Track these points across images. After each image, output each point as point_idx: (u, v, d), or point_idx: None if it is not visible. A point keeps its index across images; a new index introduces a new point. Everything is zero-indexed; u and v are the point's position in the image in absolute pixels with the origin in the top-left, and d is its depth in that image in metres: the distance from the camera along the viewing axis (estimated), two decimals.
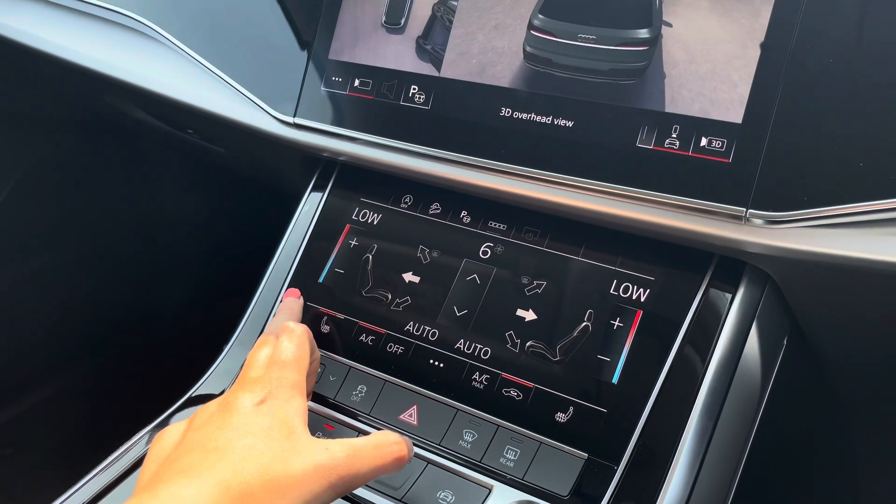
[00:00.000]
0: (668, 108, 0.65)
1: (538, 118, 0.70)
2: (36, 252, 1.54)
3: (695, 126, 0.64)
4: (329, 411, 0.73)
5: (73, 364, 1.62)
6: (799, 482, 0.96)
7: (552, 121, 0.69)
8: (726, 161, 0.62)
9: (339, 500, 0.64)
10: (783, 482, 0.89)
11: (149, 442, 0.70)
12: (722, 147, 0.62)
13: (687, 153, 0.64)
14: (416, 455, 0.68)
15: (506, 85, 0.72)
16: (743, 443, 0.68)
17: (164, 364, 1.57)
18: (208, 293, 1.74)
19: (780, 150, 0.60)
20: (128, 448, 0.72)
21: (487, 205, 0.77)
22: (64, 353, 1.61)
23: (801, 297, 0.67)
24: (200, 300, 1.75)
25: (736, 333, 0.67)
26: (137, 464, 0.70)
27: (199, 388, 0.77)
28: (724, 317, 0.66)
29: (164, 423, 0.74)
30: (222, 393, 0.73)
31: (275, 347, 0.63)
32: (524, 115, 0.70)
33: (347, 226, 0.83)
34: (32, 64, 1.16)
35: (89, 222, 1.61)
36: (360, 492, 0.66)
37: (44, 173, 1.51)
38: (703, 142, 0.63)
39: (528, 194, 0.70)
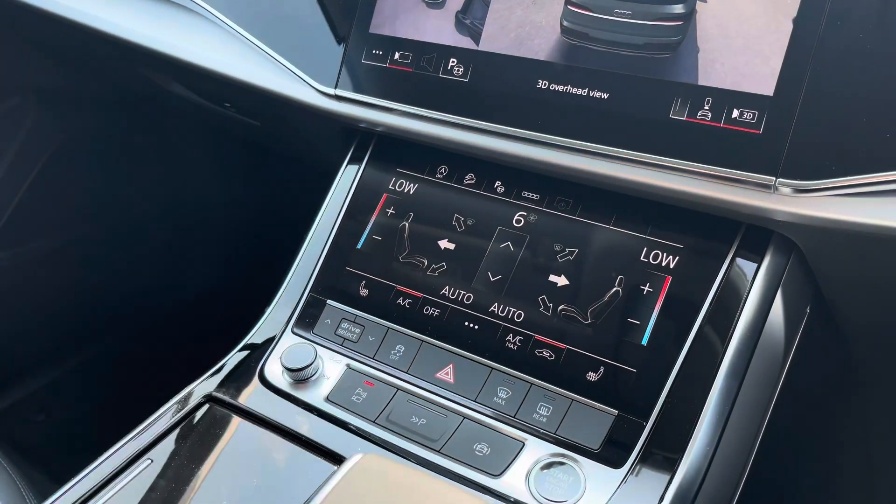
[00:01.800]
0: (701, 81, 0.67)
1: (574, 90, 0.73)
2: (69, 226, 1.59)
3: (727, 98, 0.66)
4: (369, 369, 0.77)
5: (104, 334, 1.67)
6: (814, 448, 0.99)
7: (588, 93, 0.72)
8: (757, 132, 0.65)
9: (375, 446, 0.68)
10: (800, 447, 0.92)
11: (176, 412, 0.73)
12: (753, 119, 0.65)
13: (719, 124, 0.66)
14: (453, 410, 0.72)
15: (543, 58, 0.74)
16: (766, 404, 0.71)
17: (193, 336, 1.62)
18: (238, 268, 1.78)
19: (810, 122, 0.63)
20: (158, 416, 0.75)
21: (521, 175, 0.80)
22: (96, 323, 1.65)
23: (825, 266, 0.70)
24: (230, 274, 1.79)
25: (761, 300, 0.69)
26: (168, 432, 0.72)
27: (252, 337, 0.81)
28: (750, 283, 0.69)
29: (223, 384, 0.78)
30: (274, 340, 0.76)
31: None
32: (561, 88, 0.73)
33: (384, 195, 0.86)
34: (70, 38, 1.19)
35: (121, 198, 1.65)
36: (402, 443, 0.70)
37: (76, 149, 1.55)
38: (735, 113, 0.66)
39: (564, 163, 0.73)
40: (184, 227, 1.73)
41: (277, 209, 1.69)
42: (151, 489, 0.66)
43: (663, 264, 0.72)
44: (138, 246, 1.69)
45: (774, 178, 0.64)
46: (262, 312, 0.86)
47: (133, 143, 1.63)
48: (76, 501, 0.66)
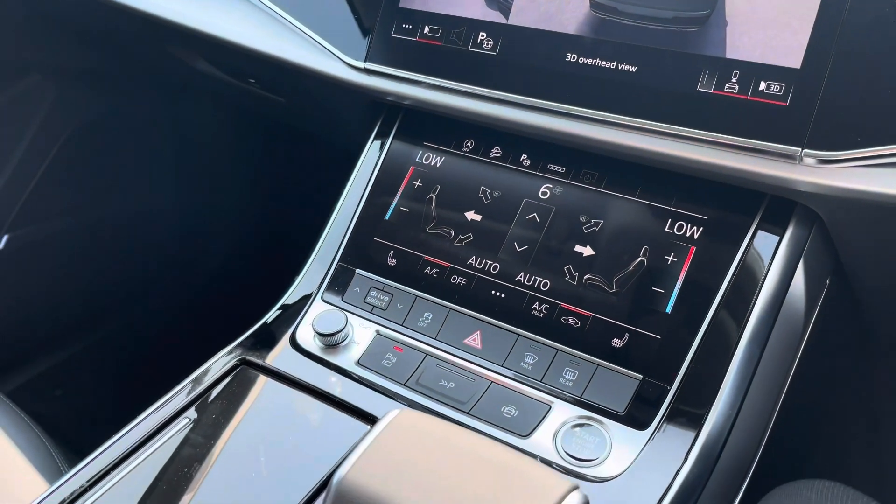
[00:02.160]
0: (729, 54, 0.69)
1: (603, 63, 0.74)
2: (87, 205, 1.61)
3: (754, 71, 0.68)
4: (398, 335, 0.79)
5: (121, 312, 1.70)
6: (829, 412, 1.01)
7: (616, 66, 0.73)
8: (783, 104, 0.66)
9: (408, 407, 0.70)
10: (816, 412, 0.94)
11: (212, 374, 0.75)
12: (780, 91, 0.66)
13: (746, 97, 0.68)
14: (480, 375, 0.74)
15: (572, 32, 0.76)
16: (787, 370, 0.73)
17: (210, 314, 1.64)
18: (255, 247, 1.80)
19: (836, 93, 0.64)
20: (194, 378, 0.77)
21: (546, 148, 0.82)
22: (113, 300, 1.68)
23: (847, 236, 0.72)
24: (247, 253, 1.81)
25: (784, 270, 0.71)
26: (205, 393, 0.74)
27: (283, 304, 0.83)
28: (773, 254, 0.71)
29: (252, 345, 0.80)
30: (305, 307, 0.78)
31: None
32: (589, 61, 0.75)
33: (411, 168, 0.88)
34: (96, 16, 1.21)
35: (138, 178, 1.67)
36: (432, 405, 0.72)
37: (95, 129, 1.57)
38: (762, 86, 0.67)
39: (591, 135, 0.75)
40: (201, 206, 1.75)
41: (295, 189, 1.71)
42: (191, 445, 0.69)
43: (687, 235, 0.74)
44: (155, 225, 1.71)
45: (800, 150, 0.65)
46: (284, 286, 0.88)
47: (151, 124, 1.65)
48: (121, 455, 0.68)
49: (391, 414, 0.59)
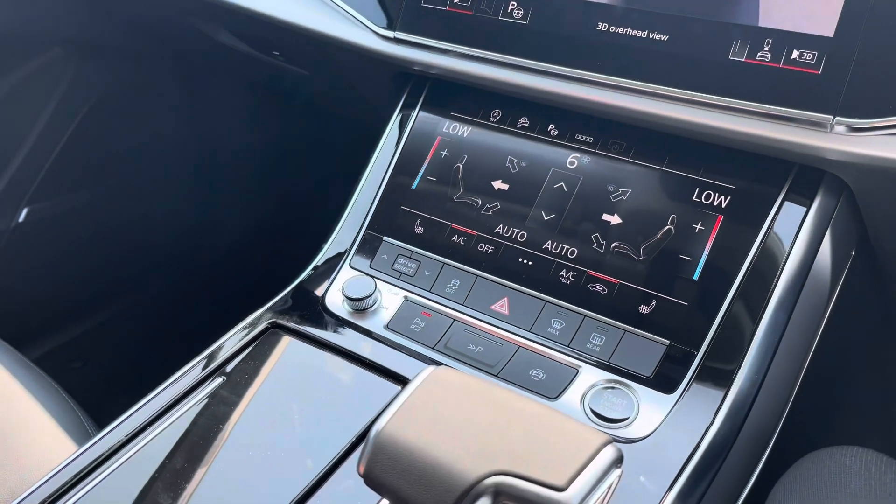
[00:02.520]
0: (762, 23, 0.69)
1: (634, 32, 0.74)
2: (107, 177, 1.62)
3: (787, 39, 0.68)
4: (426, 301, 0.80)
5: (140, 284, 1.71)
6: (845, 387, 1.02)
7: (648, 35, 0.74)
8: (816, 72, 0.67)
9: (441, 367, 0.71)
10: (835, 381, 0.95)
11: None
12: (813, 59, 0.67)
13: (778, 65, 0.68)
14: (508, 339, 0.75)
15: (603, 0, 0.76)
16: (811, 338, 0.73)
17: (229, 285, 1.66)
18: (273, 220, 1.81)
19: (869, 62, 0.65)
20: (226, 339, 0.78)
21: (574, 118, 0.82)
22: (133, 272, 1.69)
23: (875, 207, 0.72)
24: (265, 226, 1.82)
25: (811, 239, 0.72)
26: (237, 354, 0.75)
27: (312, 270, 0.85)
28: (800, 223, 0.72)
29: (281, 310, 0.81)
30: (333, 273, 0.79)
31: None
32: (620, 30, 0.75)
33: (438, 138, 0.89)
34: None
35: (158, 151, 1.68)
36: (461, 367, 0.73)
37: (116, 101, 1.58)
38: (795, 54, 0.68)
39: (622, 104, 0.75)
40: (219, 179, 1.76)
41: (316, 164, 1.72)
42: (225, 403, 0.70)
43: (715, 204, 0.74)
44: (174, 198, 1.72)
45: (831, 118, 0.66)
46: (308, 257, 0.89)
47: (171, 98, 1.66)
48: (153, 415, 0.70)
49: (427, 370, 0.60)
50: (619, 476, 0.52)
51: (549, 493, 0.50)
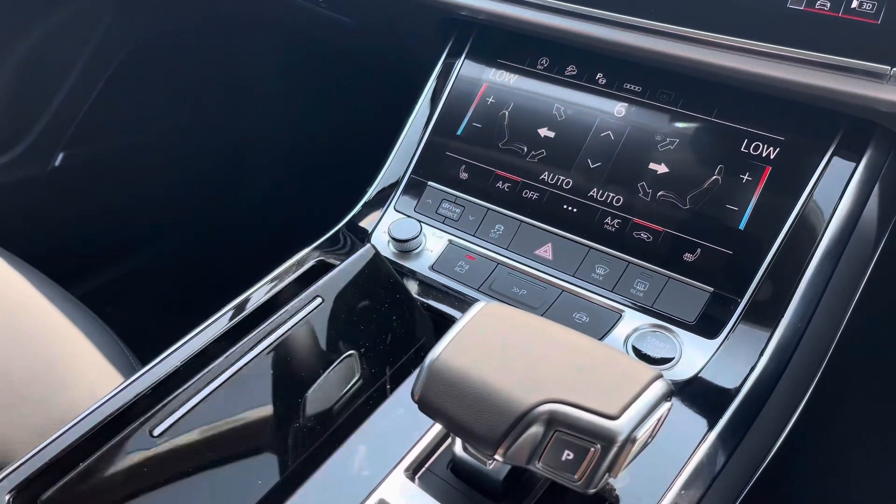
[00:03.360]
0: None
1: None
2: (140, 126, 1.63)
3: None
4: (470, 245, 0.81)
5: (179, 227, 1.73)
6: (880, 347, 1.03)
7: None
8: (875, 22, 0.66)
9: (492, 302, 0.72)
10: (872, 339, 0.96)
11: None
12: (872, 9, 0.66)
13: (837, 14, 0.68)
14: (552, 283, 0.76)
15: None
16: (853, 291, 0.74)
17: (260, 236, 1.67)
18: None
19: None
20: (276, 275, 0.79)
21: (622, 67, 0.82)
22: (162, 221, 1.71)
23: None
24: (294, 181, 1.83)
25: (859, 192, 0.72)
26: (288, 288, 0.77)
27: (357, 212, 0.86)
28: (849, 176, 0.72)
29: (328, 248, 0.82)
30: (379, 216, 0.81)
31: None
32: None
33: (484, 85, 0.89)
34: None
35: (189, 102, 1.69)
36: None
37: (149, 51, 1.58)
38: (854, 3, 0.67)
39: (676, 53, 0.75)
40: (251, 132, 1.77)
41: (356, 113, 1.71)
42: (281, 328, 0.71)
43: (763, 155, 0.74)
44: (205, 149, 1.73)
45: (890, 68, 0.65)
46: (350, 203, 0.90)
47: (203, 49, 1.66)
48: (203, 346, 0.71)
49: (479, 304, 0.61)
50: (669, 409, 0.54)
51: (602, 420, 0.51)
